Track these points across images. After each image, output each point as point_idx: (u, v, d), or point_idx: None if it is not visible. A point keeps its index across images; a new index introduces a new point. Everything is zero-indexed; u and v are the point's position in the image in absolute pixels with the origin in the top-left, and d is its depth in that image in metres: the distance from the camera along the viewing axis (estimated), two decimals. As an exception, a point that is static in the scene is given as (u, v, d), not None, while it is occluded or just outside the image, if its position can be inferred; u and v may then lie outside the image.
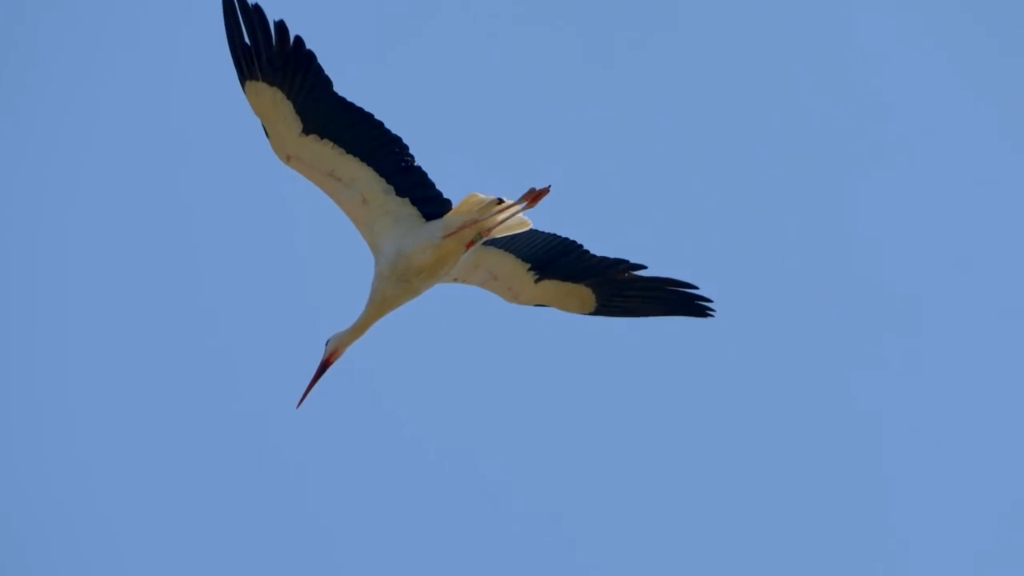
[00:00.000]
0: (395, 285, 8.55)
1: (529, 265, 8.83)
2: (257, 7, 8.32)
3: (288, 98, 8.40)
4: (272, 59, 8.38)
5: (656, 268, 11.52)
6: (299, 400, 8.66)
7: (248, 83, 8.38)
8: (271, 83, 8.39)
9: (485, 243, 8.73)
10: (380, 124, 8.48)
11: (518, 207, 8.57)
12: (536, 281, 8.85)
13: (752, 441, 12.11)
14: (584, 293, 8.90)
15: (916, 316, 12.59)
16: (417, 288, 8.58)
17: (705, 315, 8.97)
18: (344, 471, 11.76)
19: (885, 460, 12.23)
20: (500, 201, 8.55)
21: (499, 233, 8.64)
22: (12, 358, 12.21)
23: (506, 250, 8.80)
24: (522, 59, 12.87)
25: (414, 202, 8.58)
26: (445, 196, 8.65)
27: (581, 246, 8.85)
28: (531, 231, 8.76)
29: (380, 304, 8.58)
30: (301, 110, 8.43)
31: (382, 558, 11.65)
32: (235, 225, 11.98)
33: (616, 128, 12.50)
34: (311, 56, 8.38)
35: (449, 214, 8.57)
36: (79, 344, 12.26)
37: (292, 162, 8.46)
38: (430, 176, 8.62)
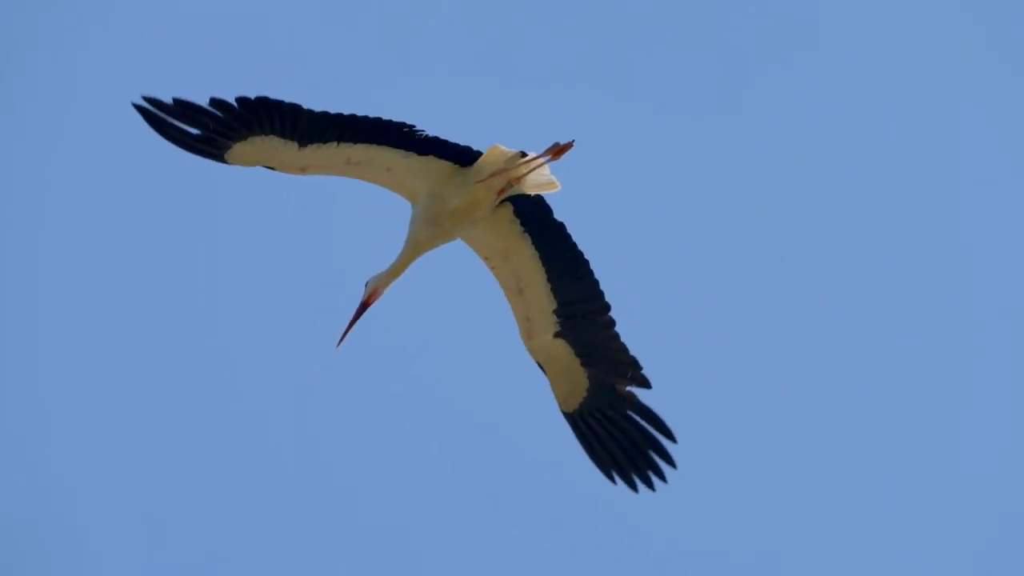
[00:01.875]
0: (428, 228, 8.71)
1: (556, 305, 8.82)
2: (184, 104, 8.28)
3: (269, 134, 8.42)
4: (230, 126, 8.35)
5: (655, 269, 11.70)
6: (339, 340, 8.83)
7: (227, 156, 8.37)
8: (244, 138, 8.40)
9: (524, 230, 8.80)
10: (377, 118, 8.54)
11: (542, 159, 8.74)
12: (555, 335, 8.83)
13: (748, 437, 12.16)
14: (579, 381, 8.80)
15: (916, 316, 12.69)
16: (449, 232, 8.75)
17: (650, 483, 8.81)
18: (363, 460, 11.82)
19: (881, 457, 12.28)
20: (523, 155, 8.73)
21: (529, 189, 8.81)
22: (12, 358, 12.24)
23: (541, 257, 8.80)
24: (519, 55, 13.05)
25: (440, 157, 8.70)
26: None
27: (608, 309, 8.77)
28: (575, 254, 8.80)
29: (415, 246, 8.76)
30: (287, 134, 8.46)
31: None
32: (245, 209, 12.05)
33: (615, 128, 12.64)
34: (263, 102, 8.35)
35: (479, 161, 8.76)
36: (79, 341, 12.31)
37: (308, 171, 8.52)
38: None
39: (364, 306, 8.82)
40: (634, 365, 8.81)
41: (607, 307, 8.81)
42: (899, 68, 13.32)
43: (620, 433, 8.81)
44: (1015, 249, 12.74)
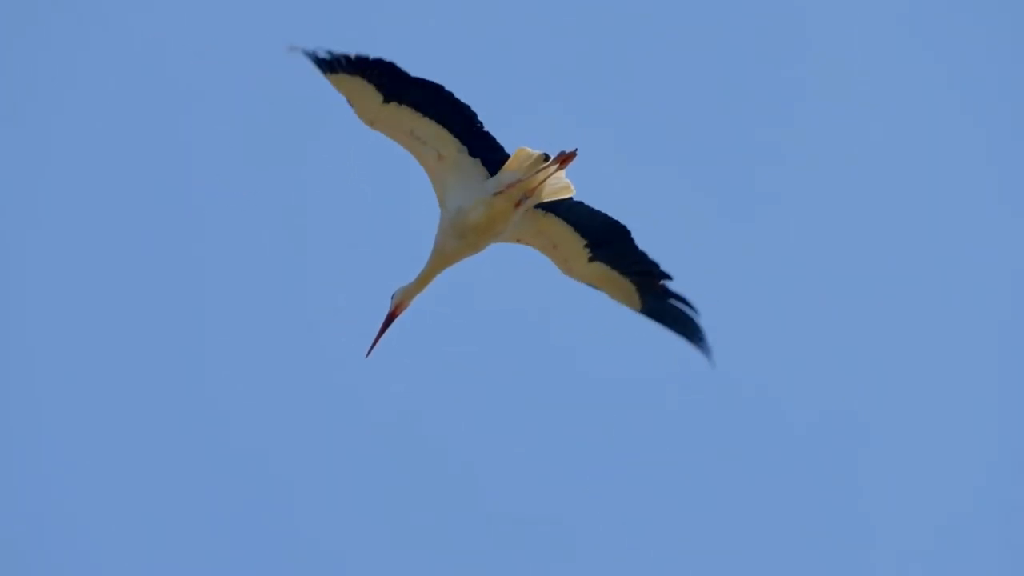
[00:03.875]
0: (454, 240, 8.89)
1: (586, 241, 9.13)
2: (322, 60, 8.71)
3: (368, 82, 8.77)
4: (347, 67, 8.77)
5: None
6: (368, 350, 8.95)
7: (328, 76, 8.76)
8: (351, 74, 8.75)
9: (546, 211, 9.06)
10: (452, 93, 8.82)
11: (552, 169, 8.91)
12: (589, 260, 9.17)
13: (748, 439, 12.22)
14: (629, 288, 9.22)
15: (915, 316, 12.73)
16: (475, 244, 8.92)
17: (704, 348, 9.23)
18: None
19: (880, 457, 12.36)
20: (546, 157, 8.89)
21: (545, 196, 8.97)
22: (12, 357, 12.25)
23: (566, 221, 9.11)
24: (516, 55, 13.05)
25: (485, 163, 8.94)
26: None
27: (629, 233, 9.18)
28: (592, 209, 9.08)
29: (441, 257, 8.93)
30: (380, 89, 8.78)
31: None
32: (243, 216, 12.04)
33: (614, 127, 12.65)
34: (379, 62, 8.76)
35: (501, 171, 8.93)
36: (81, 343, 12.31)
37: (376, 125, 8.83)
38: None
39: (391, 318, 8.96)
40: (654, 266, 9.18)
41: (626, 233, 9.16)
42: (899, 68, 13.41)
43: (676, 315, 9.28)
44: (1015, 249, 12.83)
